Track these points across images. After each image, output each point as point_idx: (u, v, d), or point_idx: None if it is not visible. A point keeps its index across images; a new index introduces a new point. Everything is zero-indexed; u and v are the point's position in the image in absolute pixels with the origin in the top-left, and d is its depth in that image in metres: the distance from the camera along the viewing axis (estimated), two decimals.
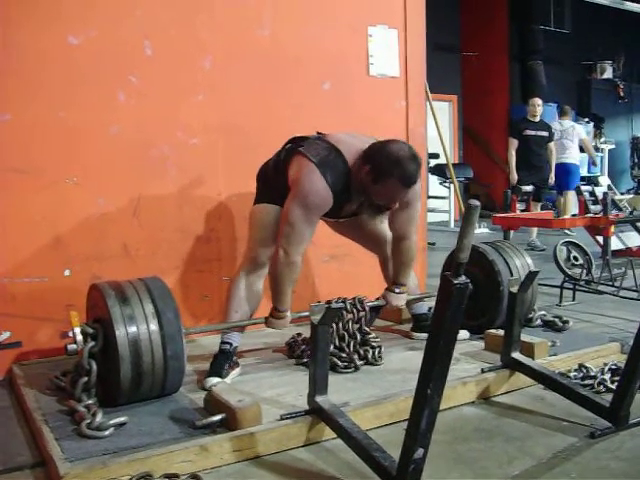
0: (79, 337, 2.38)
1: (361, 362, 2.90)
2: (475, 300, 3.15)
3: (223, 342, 2.85)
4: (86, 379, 2.38)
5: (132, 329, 2.35)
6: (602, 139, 13.08)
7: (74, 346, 2.38)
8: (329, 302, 2.93)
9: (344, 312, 2.95)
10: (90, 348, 2.38)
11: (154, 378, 2.41)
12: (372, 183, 2.65)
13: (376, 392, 2.57)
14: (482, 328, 3.22)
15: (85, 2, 3.15)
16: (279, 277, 2.74)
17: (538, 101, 7.64)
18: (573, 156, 8.31)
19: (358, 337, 2.99)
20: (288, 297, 2.80)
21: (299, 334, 3.16)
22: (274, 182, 2.87)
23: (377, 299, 3.12)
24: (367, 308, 3.03)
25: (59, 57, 3.09)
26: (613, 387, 2.61)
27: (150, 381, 2.41)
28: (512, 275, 3.17)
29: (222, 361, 2.78)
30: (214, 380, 2.61)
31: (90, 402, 2.34)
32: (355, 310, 3.00)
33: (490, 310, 3.26)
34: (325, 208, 2.70)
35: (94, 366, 2.37)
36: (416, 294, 3.30)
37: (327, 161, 2.68)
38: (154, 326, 2.39)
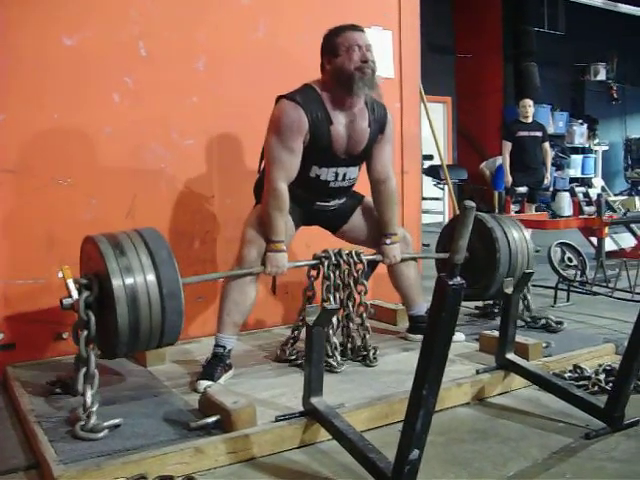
0: (73, 290, 2.32)
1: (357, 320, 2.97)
2: (471, 267, 3.12)
3: (217, 345, 2.84)
4: (86, 332, 2.31)
5: (125, 262, 2.29)
6: (596, 140, 13.10)
7: (69, 300, 2.32)
8: (325, 251, 2.97)
9: (341, 262, 2.96)
10: (85, 298, 2.31)
11: (152, 320, 2.32)
12: (335, 59, 2.81)
13: (371, 393, 2.56)
14: (476, 296, 3.18)
15: (80, 3, 3.14)
16: (266, 207, 2.81)
17: (528, 102, 7.64)
18: None
19: (353, 289, 2.99)
20: (280, 228, 2.82)
21: (293, 337, 3.14)
22: None
23: (373, 254, 3.14)
24: (365, 260, 3.02)
25: (54, 58, 3.08)
26: (608, 388, 2.62)
27: (148, 323, 2.31)
28: (510, 244, 3.15)
29: (215, 364, 2.77)
30: (206, 383, 2.59)
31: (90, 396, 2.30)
32: (352, 261, 2.99)
33: (485, 277, 3.23)
34: (299, 126, 2.76)
35: (92, 317, 2.31)
36: (411, 253, 3.30)
37: (296, 91, 2.85)
38: (146, 258, 2.34)
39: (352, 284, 2.99)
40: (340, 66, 2.80)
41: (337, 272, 2.96)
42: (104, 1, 3.21)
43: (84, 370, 2.32)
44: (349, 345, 3.03)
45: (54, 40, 3.08)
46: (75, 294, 2.31)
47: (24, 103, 3.03)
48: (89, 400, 2.28)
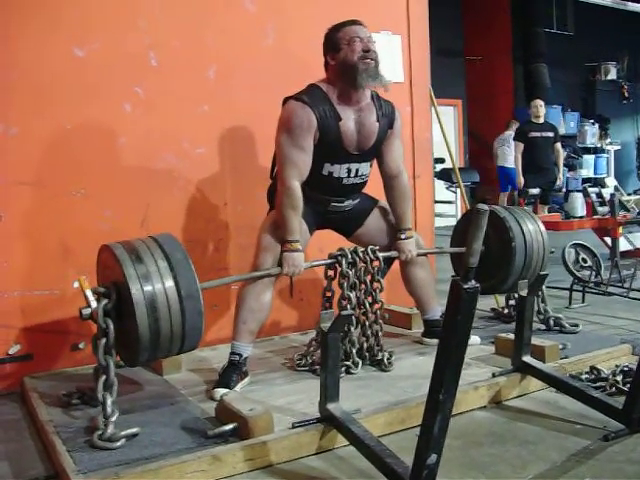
0: (92, 299, 2.31)
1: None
2: (486, 260, 3.08)
3: (233, 353, 2.84)
4: (105, 340, 2.31)
5: (142, 267, 2.29)
6: (607, 140, 13.05)
7: (88, 309, 2.32)
8: (341, 249, 2.96)
9: (357, 259, 2.94)
10: (104, 306, 2.31)
11: (172, 323, 2.30)
12: (337, 54, 2.86)
13: (387, 398, 2.56)
14: (494, 289, 3.15)
15: (90, 14, 3.16)
16: (280, 207, 2.83)
17: (539, 102, 7.64)
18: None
19: (369, 286, 2.98)
20: (295, 227, 2.83)
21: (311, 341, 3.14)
22: None
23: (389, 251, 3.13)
24: (381, 257, 3.01)
25: (65, 69, 3.11)
26: (625, 389, 2.60)
27: (168, 327, 2.30)
28: (524, 233, 3.14)
29: (230, 372, 2.77)
30: (222, 391, 2.59)
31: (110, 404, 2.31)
32: (368, 258, 2.97)
33: (502, 269, 3.22)
34: (308, 125, 2.78)
35: (111, 324, 2.30)
36: (425, 249, 3.31)
37: (302, 91, 2.87)
38: (163, 262, 2.33)
39: (368, 282, 2.98)
40: (343, 59, 2.83)
41: (354, 270, 2.95)
42: (113, 12, 3.22)
43: (103, 378, 2.33)
44: (365, 345, 3.02)
45: (65, 52, 3.10)
46: (94, 303, 2.32)
47: (36, 115, 3.06)
48: (109, 409, 2.29)
